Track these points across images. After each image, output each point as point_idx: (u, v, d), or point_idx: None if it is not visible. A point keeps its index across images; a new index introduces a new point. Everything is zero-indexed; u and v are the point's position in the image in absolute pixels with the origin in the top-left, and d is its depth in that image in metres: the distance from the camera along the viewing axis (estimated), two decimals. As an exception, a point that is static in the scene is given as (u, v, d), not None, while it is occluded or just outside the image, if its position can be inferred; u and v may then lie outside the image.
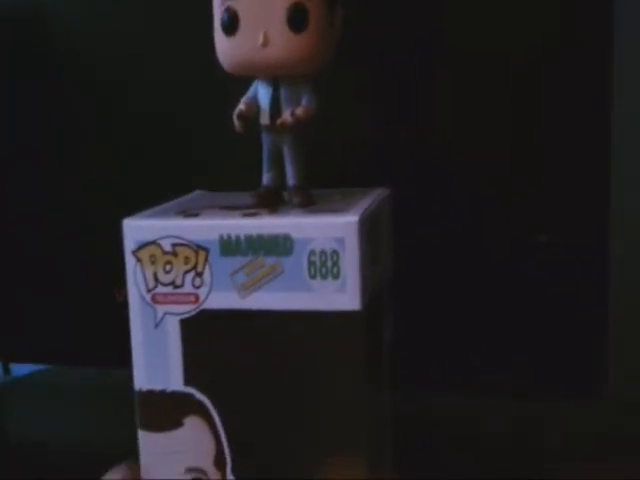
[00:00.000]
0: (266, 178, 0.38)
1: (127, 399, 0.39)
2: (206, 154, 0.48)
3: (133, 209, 0.38)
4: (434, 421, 0.50)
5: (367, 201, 0.37)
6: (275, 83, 0.37)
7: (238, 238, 0.34)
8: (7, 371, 0.71)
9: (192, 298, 0.35)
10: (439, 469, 0.44)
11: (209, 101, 0.46)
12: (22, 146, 0.54)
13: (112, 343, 0.53)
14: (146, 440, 0.37)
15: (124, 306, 0.45)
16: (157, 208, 0.38)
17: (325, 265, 0.33)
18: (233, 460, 0.36)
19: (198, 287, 0.35)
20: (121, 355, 0.41)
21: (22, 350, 0.59)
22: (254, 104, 0.37)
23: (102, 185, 0.52)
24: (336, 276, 0.33)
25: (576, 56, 0.42)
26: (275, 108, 0.37)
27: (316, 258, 0.33)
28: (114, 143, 0.52)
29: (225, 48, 0.36)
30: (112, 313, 0.51)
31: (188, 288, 0.35)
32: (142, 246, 0.35)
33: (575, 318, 0.44)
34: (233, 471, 0.36)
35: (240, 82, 0.37)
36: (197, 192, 0.43)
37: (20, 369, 0.69)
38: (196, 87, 0.47)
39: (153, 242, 0.35)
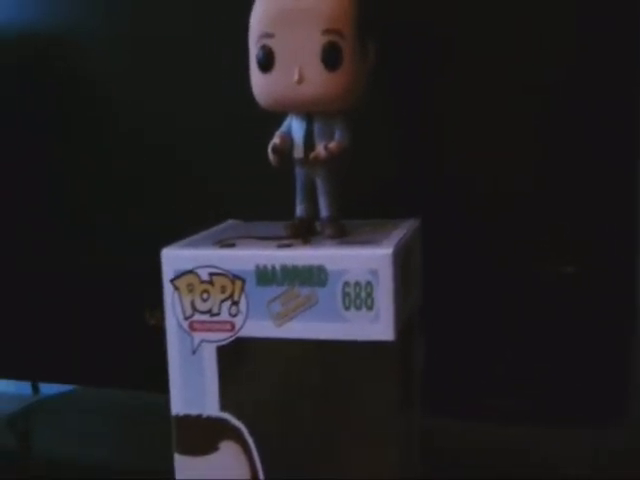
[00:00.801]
0: (299, 209, 0.39)
1: (157, 421, 0.40)
2: (240, 185, 0.49)
3: (168, 236, 0.39)
4: (461, 449, 0.50)
5: (399, 232, 0.37)
6: (309, 118, 0.38)
7: (274, 268, 0.35)
8: (36, 390, 0.72)
9: (228, 326, 0.36)
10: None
11: (244, 133, 0.47)
12: (62, 169, 0.56)
13: (141, 365, 0.54)
14: (182, 464, 0.38)
15: (155, 329, 0.46)
16: (193, 237, 0.40)
17: (359, 296, 0.34)
18: (268, 484, 0.37)
19: (234, 315, 0.36)
20: (150, 377, 0.42)
21: (51, 370, 0.60)
22: (288, 138, 0.38)
23: (137, 212, 0.54)
24: (370, 307, 0.34)
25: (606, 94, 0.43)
26: (309, 142, 0.38)
27: (350, 289, 0.34)
28: (149, 170, 0.53)
29: (261, 84, 0.37)
30: (143, 336, 0.53)
31: (224, 316, 0.36)
32: (180, 275, 0.37)
33: (601, 350, 0.45)
34: (267, 496, 0.37)
35: (276, 116, 0.38)
36: (230, 222, 0.44)
37: (49, 388, 0.70)
38: (232, 120, 0.49)
39: (191, 271, 0.36)
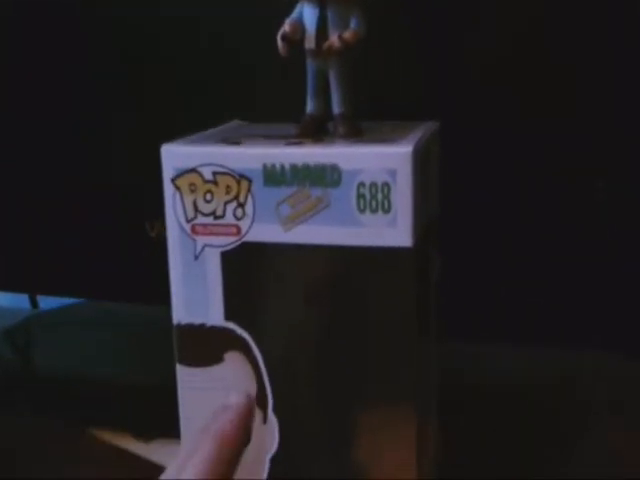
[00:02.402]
0: (310, 106, 0.36)
1: (159, 334, 0.38)
2: (246, 81, 0.46)
3: (168, 139, 0.36)
4: (478, 370, 0.49)
5: (419, 133, 0.35)
6: (322, 4, 0.34)
7: (283, 167, 0.32)
8: (35, 304, 0.70)
9: (233, 230, 0.34)
10: (480, 422, 0.43)
11: (251, 25, 0.44)
12: (59, 74, 0.52)
13: (142, 278, 0.52)
14: (184, 375, 0.36)
15: (157, 240, 0.43)
16: (196, 135, 0.37)
17: (375, 198, 0.32)
18: (275, 399, 0.35)
19: (240, 218, 0.33)
20: (153, 290, 0.40)
21: (50, 282, 0.58)
22: (299, 26, 0.35)
23: (137, 114, 0.51)
24: (387, 210, 0.32)
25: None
26: (321, 31, 0.35)
27: (366, 190, 0.32)
28: (152, 71, 0.50)
29: (271, -36, 0.34)
30: (144, 248, 0.51)
31: (229, 219, 0.34)
32: (181, 174, 0.34)
33: (632, 269, 0.42)
34: (275, 410, 0.35)
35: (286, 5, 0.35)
36: (235, 122, 0.41)
37: (48, 302, 0.69)
38: (238, 11, 0.45)
39: (193, 170, 0.34)
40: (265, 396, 0.35)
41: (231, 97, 0.47)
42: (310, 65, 0.36)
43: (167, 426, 0.37)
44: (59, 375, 0.57)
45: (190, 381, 0.36)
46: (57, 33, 0.52)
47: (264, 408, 0.35)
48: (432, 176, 0.36)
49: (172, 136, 0.36)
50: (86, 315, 0.67)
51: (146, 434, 0.48)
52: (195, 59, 0.48)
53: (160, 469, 0.40)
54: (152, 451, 0.47)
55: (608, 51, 0.41)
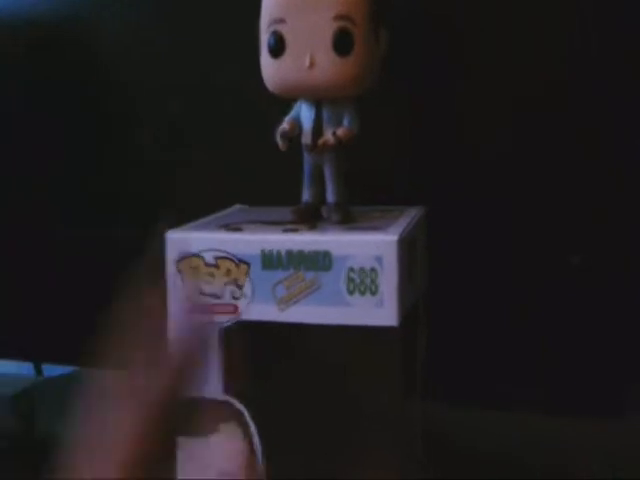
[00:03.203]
0: (306, 194, 0.39)
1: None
2: (248, 170, 0.49)
3: (174, 220, 0.39)
4: (464, 436, 0.50)
5: (405, 220, 0.38)
6: (318, 104, 0.38)
7: (279, 253, 0.35)
8: (39, 371, 0.72)
9: (231, 308, 0.36)
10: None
11: (252, 119, 0.47)
12: (64, 150, 0.56)
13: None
14: (183, 444, 0.38)
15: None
16: (199, 221, 0.40)
17: (363, 282, 0.34)
18: (268, 469, 0.37)
19: (238, 298, 0.36)
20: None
21: (54, 351, 0.60)
22: (297, 124, 0.38)
23: (142, 196, 0.54)
24: (374, 292, 0.34)
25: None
26: (317, 128, 0.38)
27: (355, 275, 0.34)
28: (156, 157, 0.53)
29: (271, 70, 0.37)
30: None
31: (228, 299, 0.36)
32: (184, 258, 0.37)
33: (611, 336, 0.45)
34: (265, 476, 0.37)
35: (284, 102, 0.38)
36: (237, 206, 0.44)
37: (52, 370, 0.70)
38: (241, 106, 0.49)
39: (196, 254, 0.36)
40: (256, 465, 0.37)
41: (236, 184, 0.50)
42: (307, 158, 0.39)
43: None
44: (62, 442, 0.58)
45: (188, 449, 0.38)
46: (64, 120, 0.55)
47: (253, 475, 0.37)
48: (419, 258, 0.39)
49: (178, 215, 0.39)
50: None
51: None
52: (204, 150, 0.51)
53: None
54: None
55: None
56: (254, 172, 0.49)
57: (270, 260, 0.36)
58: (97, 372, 0.65)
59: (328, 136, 0.37)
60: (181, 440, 0.38)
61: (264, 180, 0.48)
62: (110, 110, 0.54)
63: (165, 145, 0.53)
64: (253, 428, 0.37)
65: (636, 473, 0.45)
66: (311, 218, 0.39)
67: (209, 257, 0.36)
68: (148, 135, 0.53)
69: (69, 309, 0.57)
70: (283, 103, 0.39)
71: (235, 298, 0.36)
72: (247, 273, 0.36)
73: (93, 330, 0.57)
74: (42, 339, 0.59)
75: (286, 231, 0.36)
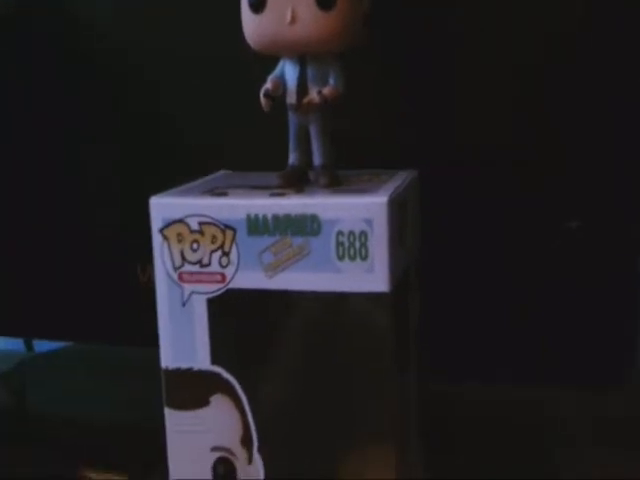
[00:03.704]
0: (292, 158, 0.38)
1: (150, 377, 0.39)
2: (232, 134, 0.48)
3: (157, 188, 0.37)
4: (458, 405, 0.50)
5: (395, 182, 0.36)
6: (302, 62, 0.36)
7: (265, 218, 0.34)
8: (30, 347, 0.71)
9: (219, 277, 0.35)
10: (462, 453, 0.44)
11: (235, 80, 0.46)
12: (49, 122, 0.54)
13: (135, 321, 0.53)
14: (172, 418, 0.37)
15: (148, 285, 0.45)
16: (184, 187, 0.38)
17: (353, 246, 0.33)
18: (260, 440, 0.36)
19: (225, 266, 0.35)
20: (144, 333, 0.41)
21: (45, 326, 0.59)
22: (281, 82, 0.37)
23: (127, 165, 0.52)
24: (364, 257, 0.33)
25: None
26: (302, 87, 0.36)
27: (344, 239, 0.33)
28: (140, 121, 0.52)
29: (252, 26, 0.36)
30: (136, 292, 0.52)
31: (215, 267, 0.35)
32: (169, 224, 0.35)
33: (605, 304, 0.44)
34: (259, 451, 0.36)
35: (267, 61, 0.37)
36: (222, 172, 0.43)
37: (43, 345, 0.70)
38: (222, 67, 0.47)
39: (180, 220, 0.35)
40: (250, 437, 0.36)
41: (220, 148, 0.49)
42: (292, 119, 0.37)
43: (161, 467, 0.38)
44: (54, 418, 0.58)
45: (178, 424, 0.37)
46: (45, 83, 0.53)
47: (249, 449, 0.36)
48: (411, 223, 0.38)
49: (162, 183, 0.38)
50: (80, 358, 0.68)
51: (141, 475, 0.49)
52: (185, 114, 0.50)
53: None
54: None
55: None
56: (239, 136, 0.47)
57: (256, 225, 0.34)
58: (88, 347, 0.64)
59: (313, 95, 0.36)
60: (169, 414, 0.37)
61: (250, 144, 0.47)
62: (91, 76, 0.52)
63: (147, 111, 0.51)
64: (244, 400, 0.36)
65: (629, 440, 0.44)
66: (298, 182, 0.37)
67: (193, 223, 0.35)
68: (130, 103, 0.52)
69: (59, 284, 0.56)
70: (267, 62, 0.37)
71: (222, 266, 0.35)
72: (233, 239, 0.35)
73: (83, 305, 0.57)
74: (32, 315, 0.59)
75: (272, 195, 0.35)
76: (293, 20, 0.34)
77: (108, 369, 0.65)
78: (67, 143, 0.54)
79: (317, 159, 0.37)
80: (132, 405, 0.57)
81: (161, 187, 0.38)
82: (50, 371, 0.67)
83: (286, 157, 0.38)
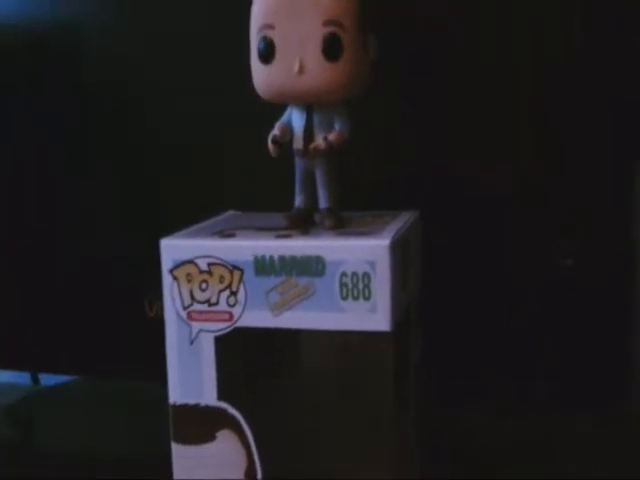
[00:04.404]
0: (298, 200, 0.39)
1: (156, 412, 0.40)
2: (240, 176, 0.49)
3: (167, 227, 0.39)
4: (460, 438, 0.50)
5: (397, 224, 0.38)
6: (309, 109, 0.38)
7: (272, 259, 0.35)
8: (36, 381, 0.72)
9: (226, 316, 0.36)
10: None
11: (245, 125, 0.47)
12: (60, 162, 0.56)
13: (141, 356, 0.54)
14: (179, 453, 0.38)
15: (155, 320, 0.46)
16: (192, 228, 0.40)
17: (357, 287, 0.34)
18: (264, 475, 0.37)
19: (232, 305, 0.36)
20: (150, 368, 0.42)
21: (51, 360, 0.60)
22: (288, 129, 0.38)
23: (137, 203, 0.54)
24: (367, 298, 0.34)
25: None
26: (308, 133, 0.38)
27: (348, 280, 0.35)
28: (149, 162, 0.53)
29: (261, 76, 0.37)
30: (143, 327, 0.53)
31: (223, 306, 0.36)
32: (179, 265, 0.37)
33: (599, 338, 0.45)
34: (264, 485, 0.37)
35: (276, 107, 0.38)
36: (230, 212, 0.44)
37: (49, 379, 0.70)
38: (232, 112, 0.49)
39: (190, 261, 0.36)
40: (255, 472, 0.37)
41: (229, 189, 0.50)
42: (298, 164, 0.39)
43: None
44: (60, 452, 0.58)
45: (184, 458, 0.38)
46: (52, 129, 0.55)
47: (254, 484, 0.37)
48: (412, 262, 0.39)
49: (172, 222, 0.39)
50: (86, 392, 0.68)
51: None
52: (196, 156, 0.51)
53: None
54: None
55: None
56: (247, 178, 0.49)
57: (263, 266, 0.36)
58: (94, 381, 0.65)
59: (319, 141, 0.37)
60: (176, 449, 0.38)
61: (257, 186, 0.48)
62: (102, 113, 0.54)
63: (157, 151, 0.53)
64: (250, 435, 0.37)
65: (630, 472, 0.45)
66: (303, 224, 0.39)
67: (202, 264, 0.36)
68: (141, 141, 0.53)
69: (66, 318, 0.57)
70: (275, 109, 0.39)
71: (230, 305, 0.36)
72: (241, 279, 0.36)
73: (90, 339, 0.58)
74: (39, 348, 0.59)
75: (278, 237, 0.37)
76: (301, 71, 0.36)
77: (114, 403, 0.65)
78: (79, 180, 0.55)
79: (322, 202, 0.39)
80: (139, 440, 0.58)
81: (170, 225, 0.39)
82: (56, 405, 0.67)
83: (292, 198, 0.40)
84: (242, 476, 0.37)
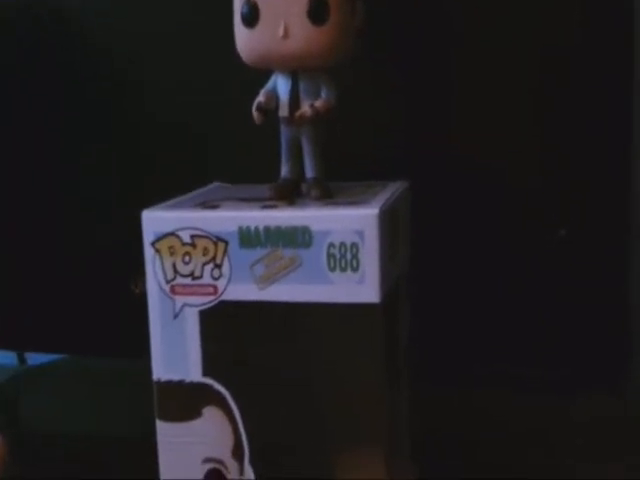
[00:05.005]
0: (284, 170, 0.38)
1: (143, 389, 0.39)
2: (225, 147, 0.48)
3: (151, 201, 0.38)
4: (450, 414, 0.50)
5: (386, 194, 0.37)
6: (294, 76, 0.37)
7: (257, 230, 0.34)
8: (22, 360, 0.71)
9: (211, 289, 0.35)
10: (455, 462, 0.44)
11: (228, 94, 0.46)
12: (42, 137, 0.54)
13: (128, 333, 0.53)
14: (164, 430, 0.37)
15: (141, 297, 0.45)
16: (176, 200, 0.39)
17: (344, 258, 0.33)
18: (251, 451, 0.36)
19: (217, 278, 0.35)
20: (137, 345, 0.41)
21: (37, 339, 0.59)
22: (273, 96, 0.37)
23: (120, 177, 0.53)
24: (355, 269, 0.33)
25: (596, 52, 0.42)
26: (294, 100, 0.37)
27: (335, 250, 0.33)
28: (134, 135, 0.52)
29: (245, 40, 0.36)
30: (129, 304, 0.52)
31: (207, 279, 0.35)
32: (161, 237, 0.36)
33: (597, 313, 0.44)
34: (251, 462, 0.36)
35: (260, 75, 0.37)
36: (215, 184, 0.43)
37: (36, 358, 0.70)
38: (216, 80, 0.47)
39: (172, 233, 0.35)
40: (242, 448, 0.36)
41: (213, 160, 0.49)
42: (284, 132, 0.38)
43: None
44: (48, 430, 0.57)
45: (169, 436, 0.37)
46: (40, 91, 0.54)
47: (241, 460, 0.36)
48: (402, 234, 0.38)
49: (156, 196, 0.38)
50: (74, 370, 0.68)
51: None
52: (179, 126, 0.50)
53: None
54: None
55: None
56: (233, 149, 0.47)
57: (248, 237, 0.34)
58: (81, 359, 0.64)
59: (305, 108, 0.36)
60: (160, 426, 0.37)
61: (243, 157, 0.47)
62: (83, 85, 0.53)
63: (140, 125, 0.51)
64: (236, 411, 0.36)
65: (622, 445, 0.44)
66: (290, 194, 0.37)
67: (185, 236, 0.35)
68: (124, 114, 0.52)
69: (52, 296, 0.56)
70: (260, 76, 0.38)
71: (214, 278, 0.35)
72: (225, 251, 0.35)
73: (76, 317, 0.57)
74: (25, 327, 0.59)
75: (264, 207, 0.35)
76: (286, 35, 0.35)
77: (102, 382, 0.64)
78: (63, 156, 0.54)
79: (309, 172, 0.37)
80: (126, 418, 0.57)
81: (154, 199, 0.38)
82: (44, 384, 0.67)
83: (279, 170, 0.39)
84: (228, 453, 0.36)
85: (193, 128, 0.49)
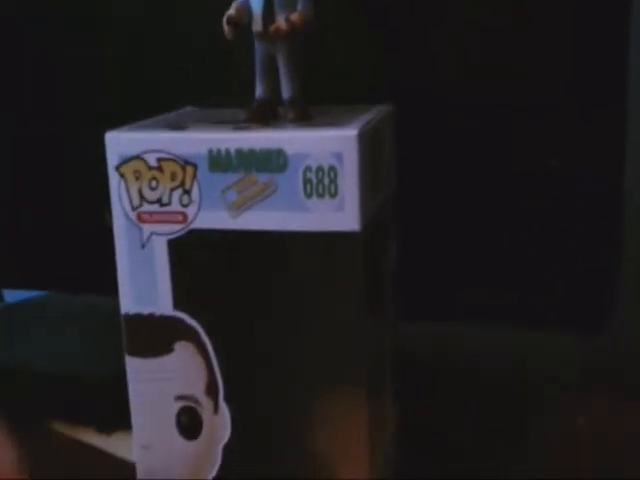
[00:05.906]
0: (259, 90, 0.35)
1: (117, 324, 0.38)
2: (197, 67, 0.45)
3: (119, 125, 0.35)
4: (433, 352, 0.49)
5: (368, 116, 0.34)
6: (269, -14, 0.34)
7: (228, 153, 0.32)
8: (0, 297, 0.70)
9: (180, 217, 0.33)
10: (438, 402, 0.43)
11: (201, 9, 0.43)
12: (9, 60, 0.51)
13: (103, 268, 0.51)
14: (134, 366, 0.35)
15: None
16: (144, 122, 0.36)
17: (322, 182, 0.31)
18: (226, 388, 0.34)
19: (186, 205, 0.33)
20: (112, 281, 0.40)
21: (13, 276, 0.58)
22: (246, 9, 0.34)
23: (92, 103, 0.50)
24: (334, 194, 0.31)
25: None
26: (268, 13, 0.34)
27: (312, 175, 0.31)
28: (104, 57, 0.49)
29: (215, -55, 0.33)
30: (103, 237, 0.50)
31: (175, 206, 0.33)
32: (126, 161, 0.33)
33: (585, 250, 0.42)
34: (226, 399, 0.34)
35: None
36: (188, 108, 0.40)
37: (12, 295, 0.68)
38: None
39: (137, 157, 0.33)
40: (216, 385, 0.34)
41: (183, 83, 0.46)
42: (258, 48, 0.35)
43: (129, 418, 0.37)
44: (22, 369, 0.56)
45: (140, 372, 0.35)
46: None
47: (215, 397, 0.34)
48: (384, 160, 0.36)
49: (126, 120, 0.36)
50: (50, 308, 0.66)
51: (108, 427, 0.48)
52: (148, 48, 0.47)
53: (121, 462, 0.39)
54: (113, 444, 0.46)
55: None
56: (206, 70, 0.45)
57: (218, 161, 0.32)
58: (58, 296, 0.63)
59: (280, 21, 0.33)
60: (130, 362, 0.35)
61: (217, 80, 0.44)
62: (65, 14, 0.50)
63: (113, 44, 0.48)
64: (209, 347, 0.34)
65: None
66: (265, 116, 0.35)
67: (151, 159, 0.33)
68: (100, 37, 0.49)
69: (29, 232, 0.54)
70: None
71: (183, 205, 0.33)
72: (194, 176, 0.32)
73: (55, 253, 0.55)
74: (2, 263, 0.57)
75: (236, 129, 0.33)
76: (258, -62, 0.32)
77: (80, 320, 0.63)
78: (37, 89, 0.51)
79: (286, 92, 0.35)
80: (101, 356, 0.56)
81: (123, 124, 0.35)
82: (21, 322, 0.65)
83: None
84: (202, 390, 0.34)
85: (164, 49, 0.47)
